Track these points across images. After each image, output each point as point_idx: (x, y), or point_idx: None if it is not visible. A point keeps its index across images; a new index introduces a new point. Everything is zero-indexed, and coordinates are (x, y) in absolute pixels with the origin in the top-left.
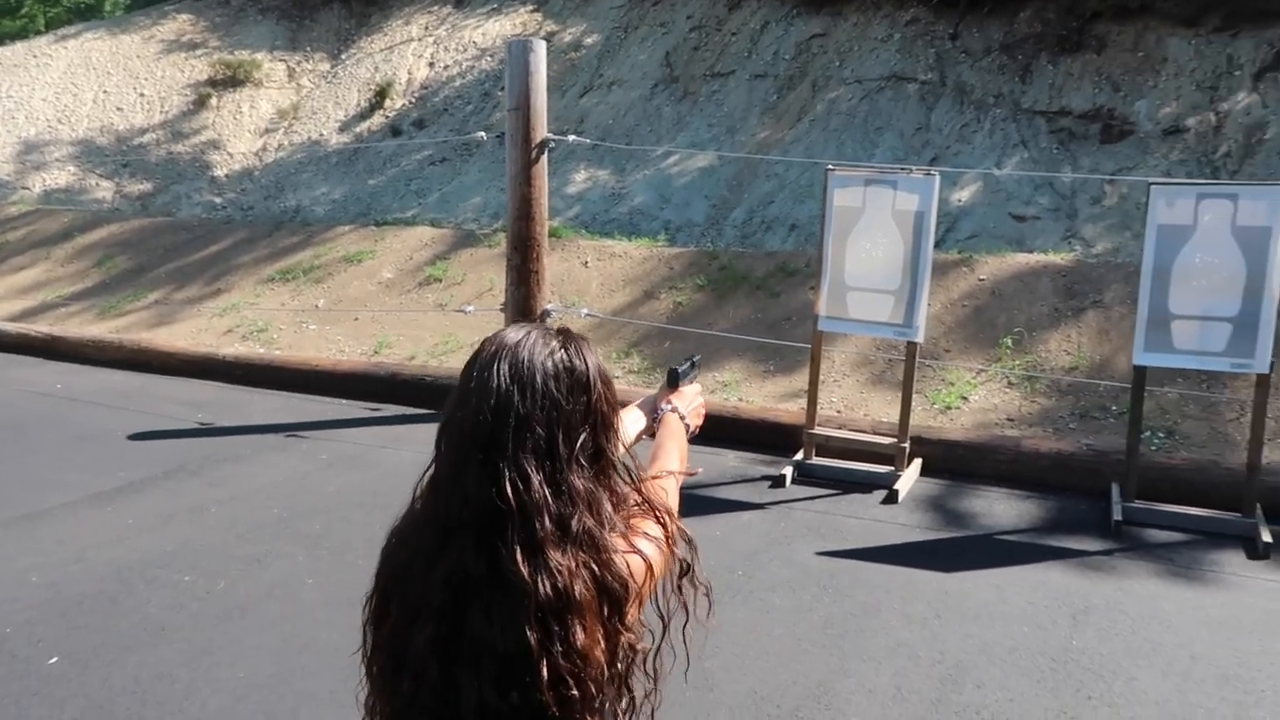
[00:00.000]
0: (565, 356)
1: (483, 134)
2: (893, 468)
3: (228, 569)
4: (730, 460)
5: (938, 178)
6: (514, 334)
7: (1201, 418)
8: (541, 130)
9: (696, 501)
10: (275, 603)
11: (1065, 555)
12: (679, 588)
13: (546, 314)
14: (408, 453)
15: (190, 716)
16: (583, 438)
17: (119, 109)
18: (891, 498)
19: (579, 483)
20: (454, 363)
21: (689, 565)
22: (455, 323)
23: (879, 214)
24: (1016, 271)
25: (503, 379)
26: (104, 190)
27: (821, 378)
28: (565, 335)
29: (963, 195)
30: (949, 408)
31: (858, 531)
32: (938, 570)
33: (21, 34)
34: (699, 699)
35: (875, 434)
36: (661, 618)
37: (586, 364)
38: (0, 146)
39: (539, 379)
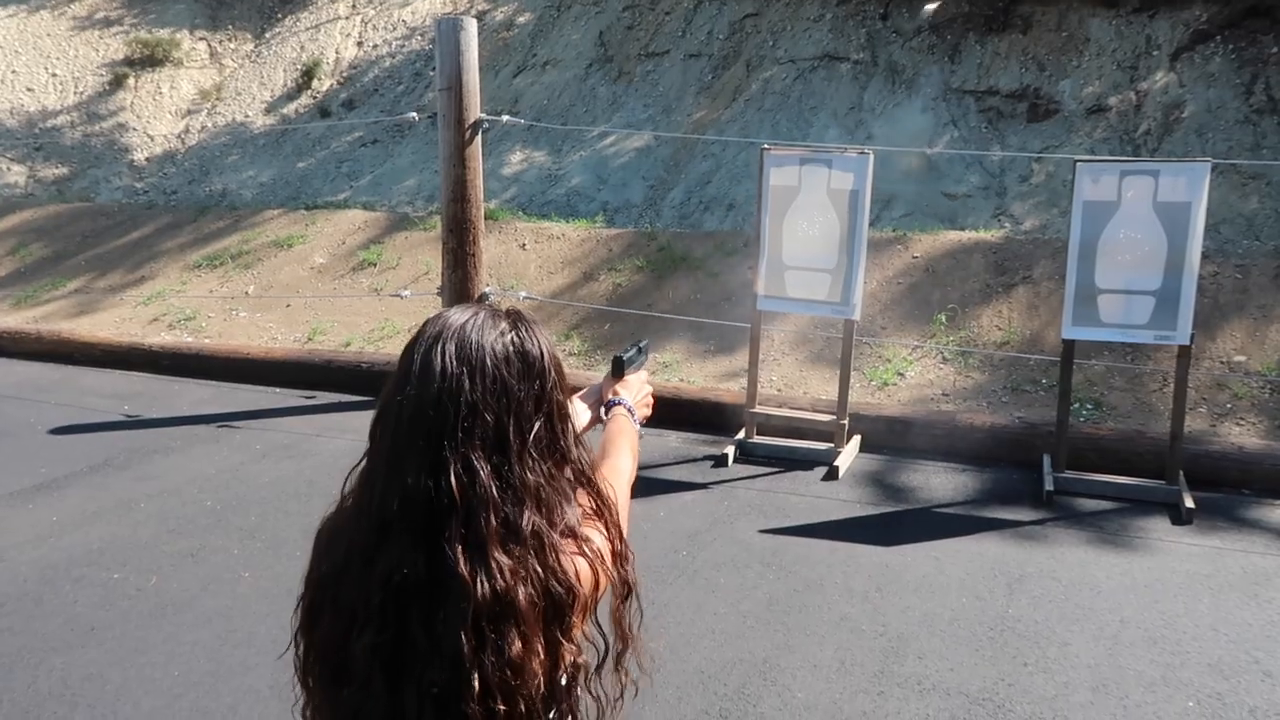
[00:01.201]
0: (516, 338)
1: (414, 115)
2: (832, 445)
3: (159, 565)
4: (672, 441)
5: (871, 156)
6: (459, 315)
7: (1127, 389)
8: (475, 111)
9: (640, 483)
10: (210, 598)
11: (1000, 526)
12: (618, 615)
13: (485, 297)
14: (344, 441)
15: (123, 718)
16: (536, 428)
17: (29, 89)
18: (832, 474)
19: (530, 477)
20: (391, 348)
21: (631, 589)
22: (391, 308)
23: (815, 193)
24: (949, 249)
25: (449, 362)
26: (16, 175)
27: (761, 357)
28: (515, 316)
29: (896, 174)
30: (886, 384)
31: (800, 508)
32: (878, 544)
33: None
34: (644, 679)
35: (815, 412)
36: (604, 638)
37: (540, 347)
38: None
39: (488, 362)
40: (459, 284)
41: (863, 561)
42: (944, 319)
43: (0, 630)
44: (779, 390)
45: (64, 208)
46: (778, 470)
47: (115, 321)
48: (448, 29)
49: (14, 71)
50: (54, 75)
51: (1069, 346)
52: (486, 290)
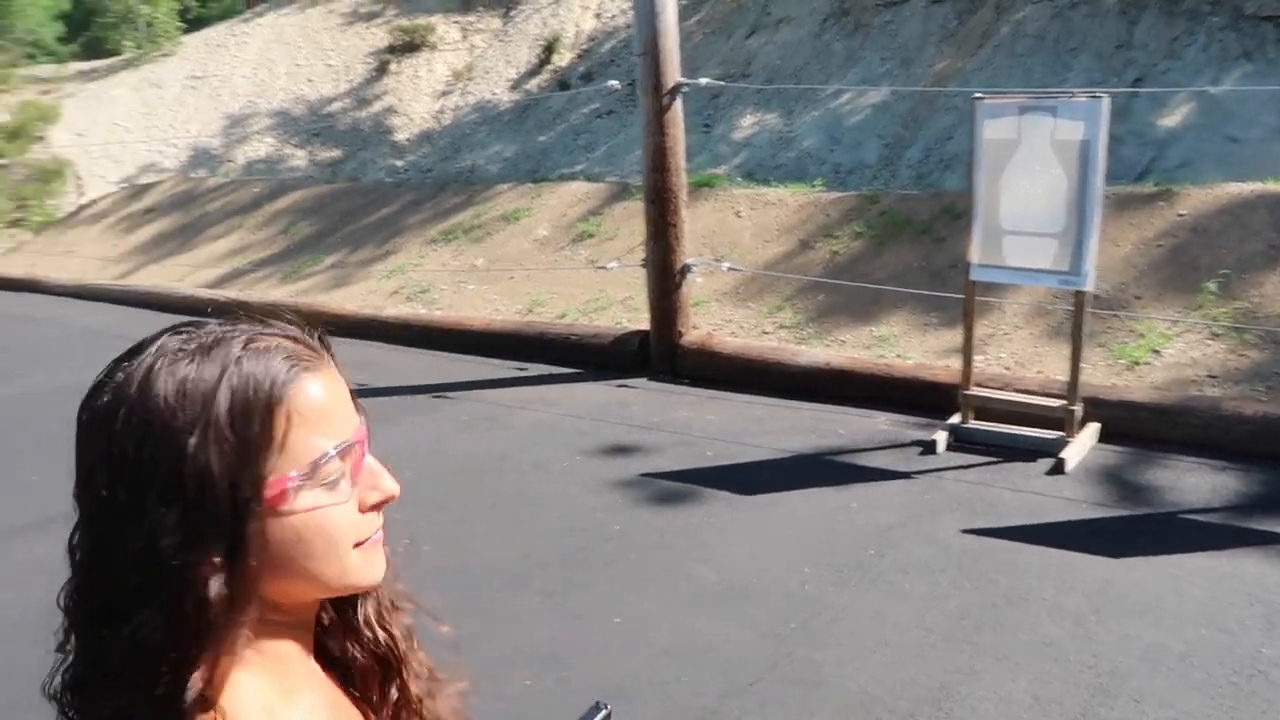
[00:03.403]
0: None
1: (615, 83)
2: (1063, 433)
3: None
4: (880, 423)
5: (1106, 100)
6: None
7: None
8: (672, 76)
9: (834, 468)
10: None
11: (1265, 541)
12: None
13: (688, 269)
14: (543, 414)
15: None
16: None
17: (309, 80)
18: (1058, 468)
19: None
20: (604, 320)
21: None
22: (605, 279)
23: (1037, 146)
24: (1225, 204)
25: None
26: (298, 159)
27: (990, 331)
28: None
29: (1172, 119)
30: (1137, 363)
31: (1014, 507)
32: (1103, 555)
33: (228, 14)
34: (802, 696)
35: (1044, 395)
36: None
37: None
38: (208, 122)
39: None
40: (660, 255)
41: (1081, 575)
42: (1214, 287)
43: None
44: (1007, 369)
45: (328, 188)
46: (994, 461)
47: (362, 294)
48: None
49: (298, 65)
50: (329, 65)
51: None
52: (689, 261)
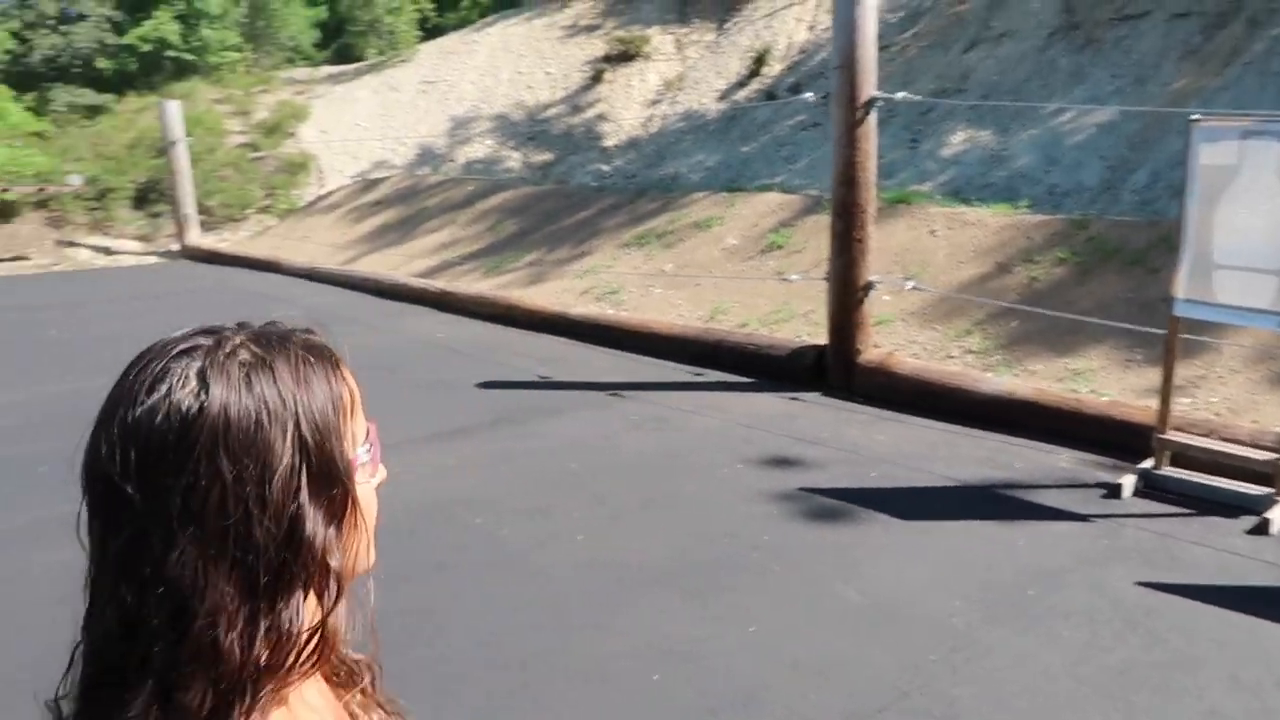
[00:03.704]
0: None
1: (811, 95)
2: (1272, 490)
3: (513, 517)
4: (1062, 460)
5: None
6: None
7: None
8: (868, 89)
9: (1005, 502)
10: (542, 555)
11: None
12: None
13: (871, 286)
14: (713, 420)
15: (435, 652)
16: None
17: (529, 87)
18: (1262, 527)
19: None
20: (784, 332)
21: None
22: (790, 291)
23: (1261, 174)
24: None
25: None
26: (513, 161)
27: (1202, 372)
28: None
29: None
30: None
31: (1202, 563)
32: None
33: (463, 24)
34: None
35: (1253, 446)
36: None
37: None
38: (436, 123)
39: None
40: (843, 270)
41: (1266, 646)
42: None
43: (379, 553)
44: (1216, 415)
45: (534, 189)
46: (1187, 512)
47: (554, 292)
48: (844, 4)
49: (519, 72)
50: (548, 74)
51: None
52: (873, 278)
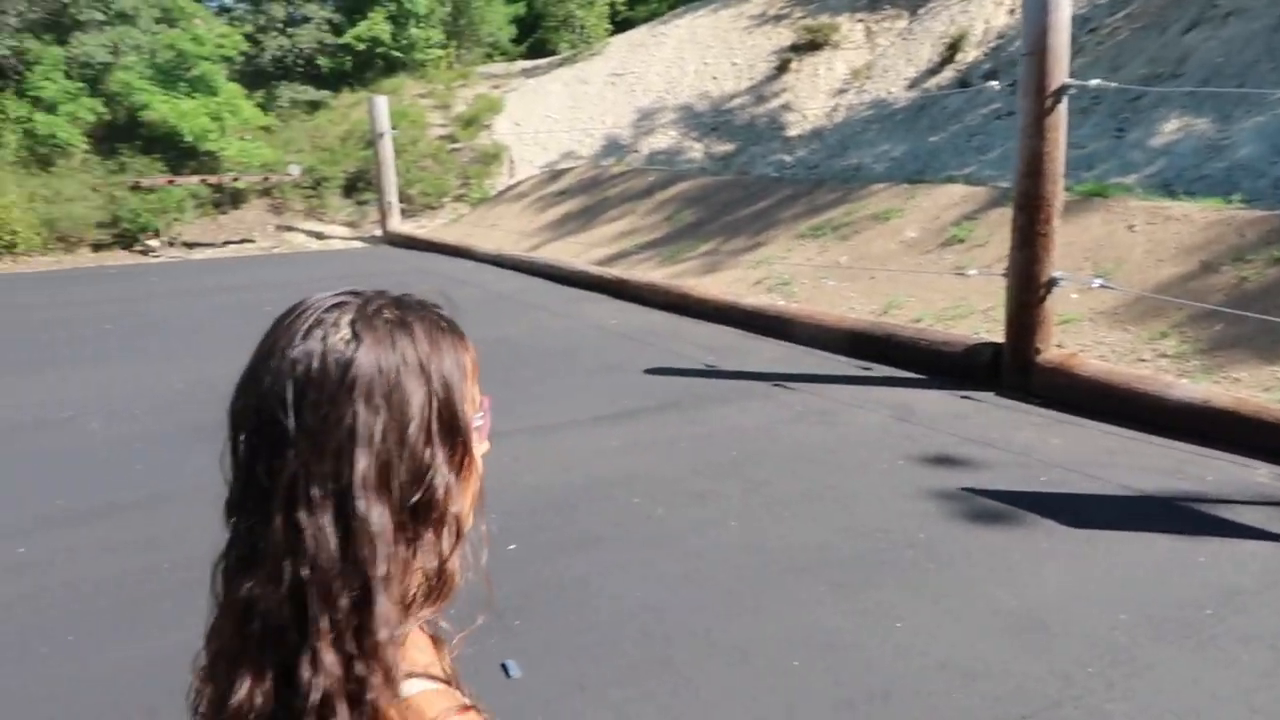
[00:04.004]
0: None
1: (995, 84)
2: None
3: (671, 499)
4: (1259, 475)
5: None
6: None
7: None
8: (1059, 77)
9: (1188, 516)
10: (695, 537)
11: None
12: None
13: (1054, 282)
14: (877, 416)
15: (583, 620)
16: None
17: (714, 78)
18: None
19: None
20: (960, 329)
21: None
22: (968, 286)
23: None
24: None
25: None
26: (695, 151)
27: None
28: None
29: None
30: None
31: None
32: None
33: (652, 17)
34: None
35: None
36: None
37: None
38: (621, 115)
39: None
40: (1024, 266)
41: None
42: None
43: (539, 526)
44: None
45: (713, 179)
46: None
47: (727, 282)
48: None
49: (705, 63)
50: (734, 64)
51: None
52: (1056, 274)
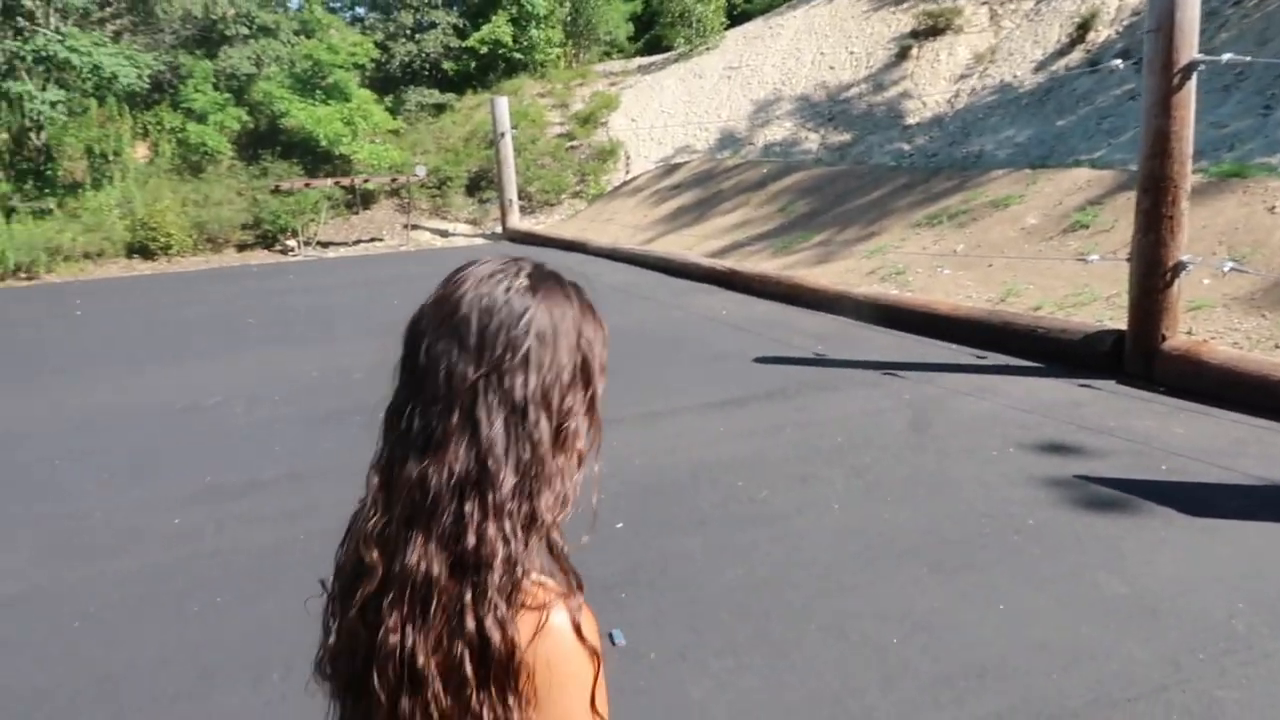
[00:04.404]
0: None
1: (1118, 62)
2: None
3: (775, 482)
4: None
5: None
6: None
7: None
8: (1188, 52)
9: None
10: (797, 519)
11: None
12: None
13: (1182, 266)
14: (987, 404)
15: (687, 595)
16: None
17: (831, 68)
18: None
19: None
20: (1082, 316)
21: None
22: (1092, 274)
23: None
24: None
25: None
26: (811, 142)
27: None
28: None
29: None
30: None
31: None
32: None
33: (768, 9)
34: None
35: None
36: None
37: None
38: (737, 108)
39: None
40: (1149, 250)
41: None
42: None
43: (647, 506)
44: None
45: (827, 170)
46: None
47: (839, 272)
48: None
49: (822, 53)
50: (851, 53)
51: None
52: (1184, 259)
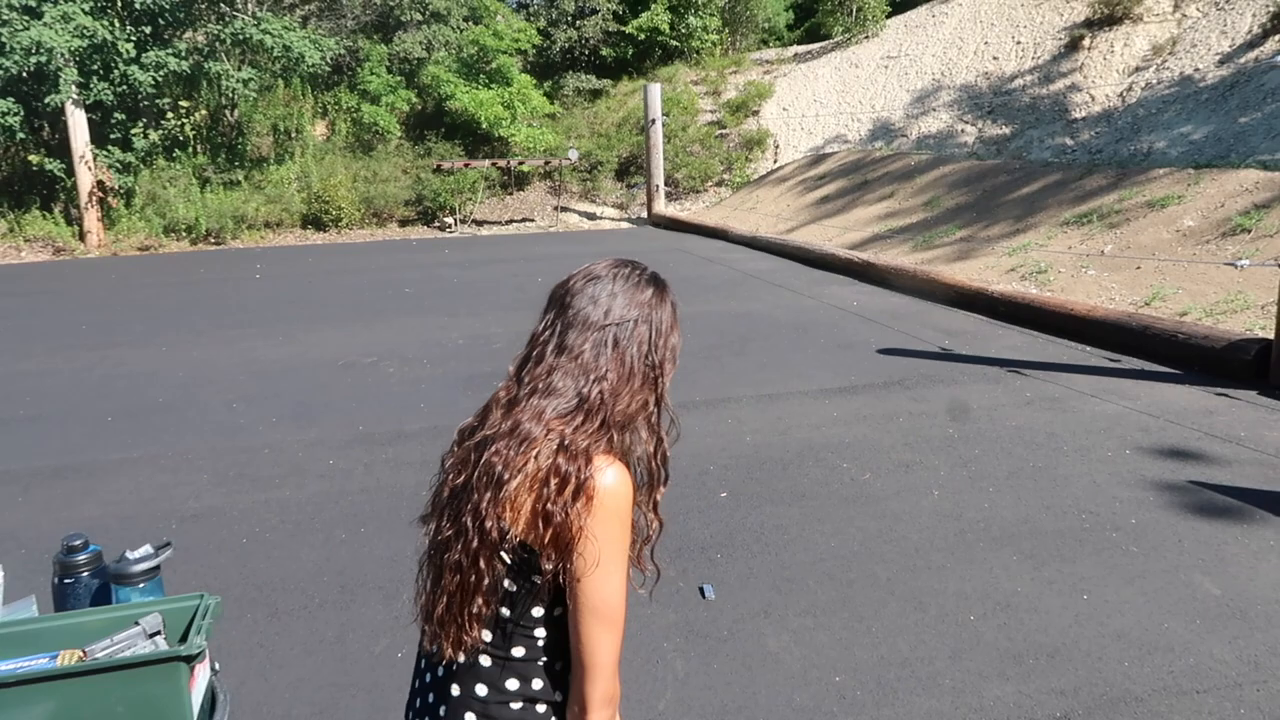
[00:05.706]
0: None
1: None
2: None
3: (879, 466)
4: None
5: None
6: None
7: None
8: None
9: None
10: (895, 501)
11: None
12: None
13: None
14: (1113, 406)
15: (779, 560)
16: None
17: (995, 58)
18: None
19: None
20: (1232, 324)
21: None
22: (1248, 280)
23: None
24: None
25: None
26: (967, 135)
27: None
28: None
29: None
30: None
31: None
32: None
33: None
34: None
35: None
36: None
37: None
38: (892, 98)
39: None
40: None
41: None
42: None
43: (752, 479)
44: None
45: (977, 164)
46: None
47: (979, 268)
48: None
49: (986, 43)
50: (1018, 43)
51: None
52: None
